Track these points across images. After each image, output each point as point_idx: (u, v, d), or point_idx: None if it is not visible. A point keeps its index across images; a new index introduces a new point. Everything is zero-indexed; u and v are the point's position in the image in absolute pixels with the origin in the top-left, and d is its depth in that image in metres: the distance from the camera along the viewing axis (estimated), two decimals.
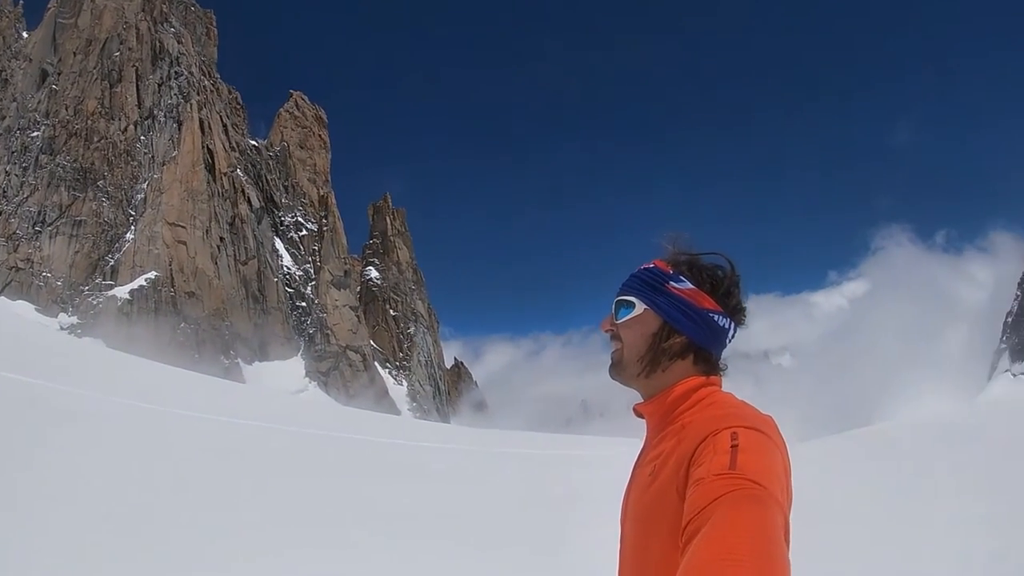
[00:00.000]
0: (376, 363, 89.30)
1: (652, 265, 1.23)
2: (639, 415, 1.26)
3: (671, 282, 1.19)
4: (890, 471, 14.64)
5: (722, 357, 1.23)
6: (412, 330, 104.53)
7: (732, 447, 0.96)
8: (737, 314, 1.21)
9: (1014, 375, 56.27)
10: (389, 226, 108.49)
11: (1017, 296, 66.92)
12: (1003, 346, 61.86)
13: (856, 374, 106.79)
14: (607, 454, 21.92)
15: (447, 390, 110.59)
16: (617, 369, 1.24)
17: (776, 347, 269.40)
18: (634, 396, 1.26)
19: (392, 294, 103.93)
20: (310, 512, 7.44)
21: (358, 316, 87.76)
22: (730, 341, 1.21)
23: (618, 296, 1.25)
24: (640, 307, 1.21)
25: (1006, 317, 66.31)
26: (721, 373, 1.22)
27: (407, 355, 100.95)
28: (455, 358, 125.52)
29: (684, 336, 1.18)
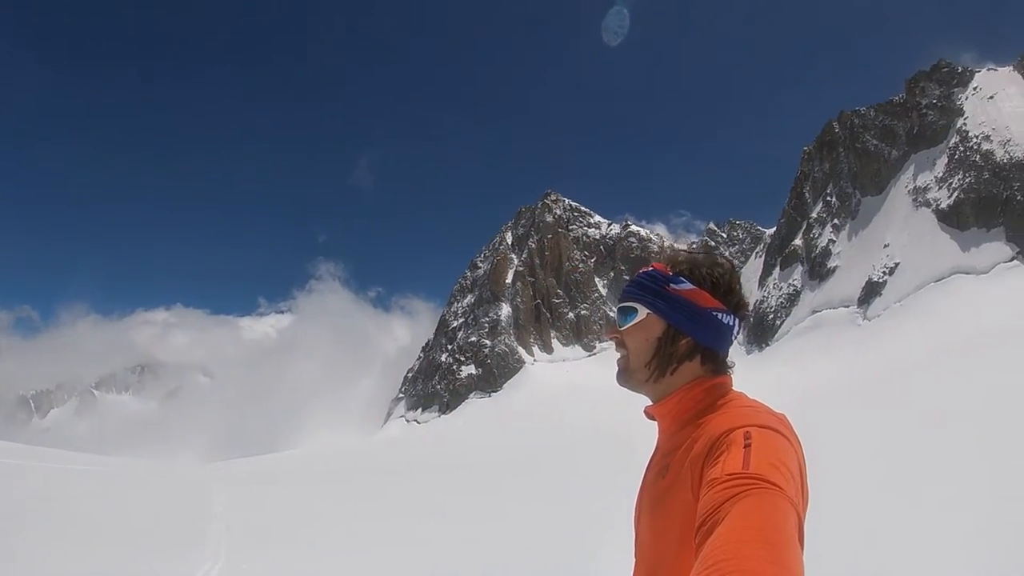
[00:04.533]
0: None
1: (651, 268, 1.25)
2: (651, 417, 1.27)
3: (671, 284, 1.20)
4: (302, 493, 17.79)
5: (728, 354, 1.24)
6: None
7: (746, 447, 0.96)
8: (740, 310, 1.22)
9: (407, 420, 75.03)
10: None
11: (420, 357, 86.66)
12: (401, 396, 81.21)
13: (270, 403, 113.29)
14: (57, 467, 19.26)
15: None
16: (625, 376, 1.26)
17: (195, 364, 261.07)
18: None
19: None
20: None
21: None
22: (736, 337, 1.23)
23: (620, 303, 1.26)
24: (643, 312, 1.22)
25: (407, 372, 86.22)
26: (729, 371, 1.23)
27: None
28: None
29: (689, 337, 1.19)
